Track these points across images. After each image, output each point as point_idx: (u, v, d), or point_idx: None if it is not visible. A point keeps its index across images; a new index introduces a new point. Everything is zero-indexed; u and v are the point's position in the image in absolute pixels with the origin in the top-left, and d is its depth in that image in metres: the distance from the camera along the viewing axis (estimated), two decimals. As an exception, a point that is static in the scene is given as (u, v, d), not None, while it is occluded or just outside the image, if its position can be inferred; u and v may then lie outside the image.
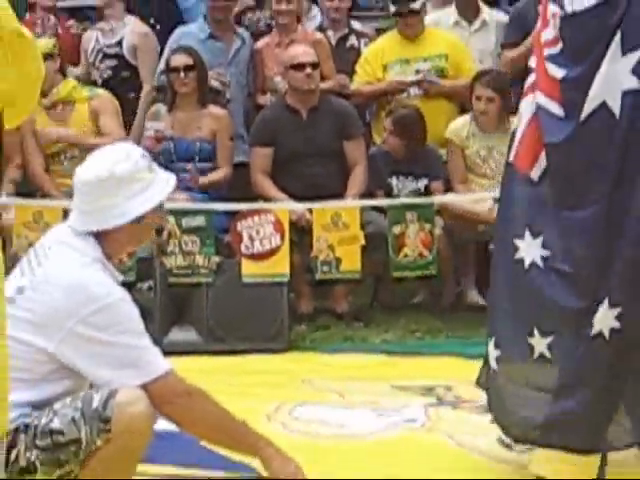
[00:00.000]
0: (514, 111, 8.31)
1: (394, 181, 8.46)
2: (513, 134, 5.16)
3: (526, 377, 5.07)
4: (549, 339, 4.90)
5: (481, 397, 5.97)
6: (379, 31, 9.44)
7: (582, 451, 5.04)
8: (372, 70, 8.86)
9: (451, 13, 9.28)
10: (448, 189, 8.42)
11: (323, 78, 8.67)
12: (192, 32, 9.06)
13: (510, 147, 5.20)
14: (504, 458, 5.45)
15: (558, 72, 4.88)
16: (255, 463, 4.22)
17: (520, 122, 5.11)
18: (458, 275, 8.55)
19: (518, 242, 4.96)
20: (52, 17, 9.46)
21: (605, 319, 4.74)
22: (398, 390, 6.62)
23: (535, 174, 4.97)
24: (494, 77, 8.48)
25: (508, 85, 8.45)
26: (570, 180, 4.90)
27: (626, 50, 4.71)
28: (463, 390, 6.50)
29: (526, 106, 5.07)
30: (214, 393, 4.24)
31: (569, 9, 4.85)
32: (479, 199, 8.21)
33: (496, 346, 5.09)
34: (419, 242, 8.00)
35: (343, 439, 5.85)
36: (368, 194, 8.36)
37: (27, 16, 9.33)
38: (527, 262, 4.92)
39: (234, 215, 7.95)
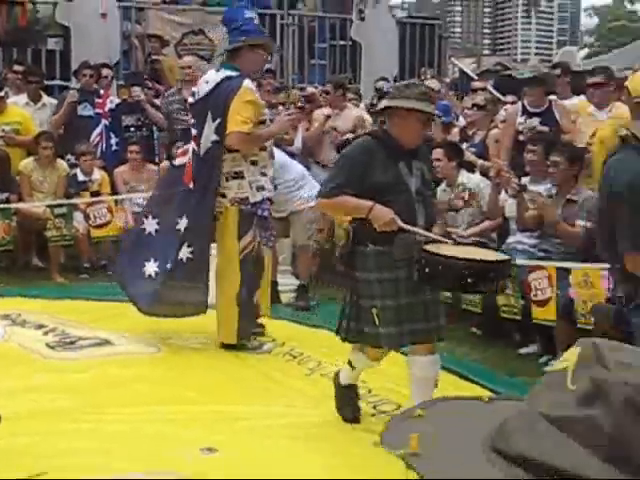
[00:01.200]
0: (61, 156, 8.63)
1: (-12, 194, 8.19)
2: (183, 166, 5.69)
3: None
4: (155, 265, 5.64)
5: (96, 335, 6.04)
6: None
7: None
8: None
9: (23, 98, 9.16)
10: (21, 199, 8.32)
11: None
12: None
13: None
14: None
15: (194, 131, 5.60)
16: None
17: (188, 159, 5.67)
18: (25, 249, 8.38)
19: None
20: None
21: (185, 253, 5.59)
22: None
23: (192, 186, 5.57)
24: (49, 136, 8.55)
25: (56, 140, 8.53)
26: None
27: (213, 119, 5.45)
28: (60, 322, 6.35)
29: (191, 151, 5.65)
30: None
31: (197, 98, 5.61)
32: (37, 205, 8.19)
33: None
34: (2, 230, 7.93)
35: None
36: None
37: None
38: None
39: None
